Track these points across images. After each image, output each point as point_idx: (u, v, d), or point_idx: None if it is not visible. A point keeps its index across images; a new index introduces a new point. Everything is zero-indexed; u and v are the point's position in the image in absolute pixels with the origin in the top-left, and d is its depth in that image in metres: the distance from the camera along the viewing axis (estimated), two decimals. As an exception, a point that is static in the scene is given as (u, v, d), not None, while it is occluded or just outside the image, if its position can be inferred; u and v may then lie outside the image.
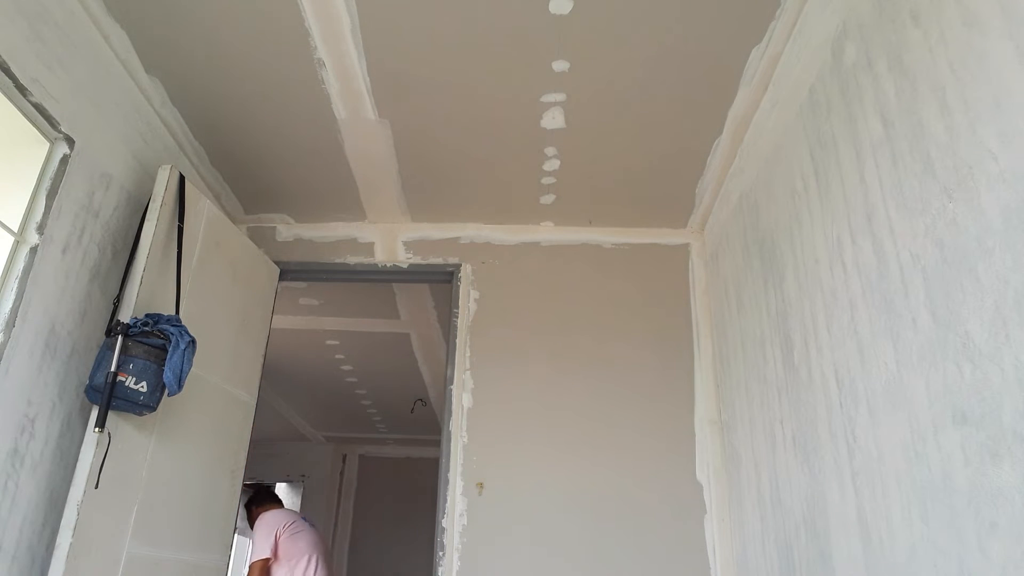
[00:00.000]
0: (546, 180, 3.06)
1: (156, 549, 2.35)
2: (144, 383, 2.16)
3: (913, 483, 1.52)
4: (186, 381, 2.24)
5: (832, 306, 1.95)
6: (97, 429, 2.11)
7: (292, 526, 3.62)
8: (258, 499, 3.92)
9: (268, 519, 3.62)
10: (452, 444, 3.02)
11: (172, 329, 2.25)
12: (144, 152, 2.61)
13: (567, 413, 3.07)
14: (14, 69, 1.94)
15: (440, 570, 2.83)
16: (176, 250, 2.49)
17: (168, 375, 2.19)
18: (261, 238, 3.38)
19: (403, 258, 3.36)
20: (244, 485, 3.48)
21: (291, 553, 3.55)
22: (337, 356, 5.43)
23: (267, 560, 3.50)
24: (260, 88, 2.55)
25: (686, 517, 2.91)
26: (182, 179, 2.55)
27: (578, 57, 2.37)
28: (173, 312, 2.41)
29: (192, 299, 2.56)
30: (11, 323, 1.96)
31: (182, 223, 2.51)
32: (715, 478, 2.95)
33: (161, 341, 2.23)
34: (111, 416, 2.14)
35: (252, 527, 3.82)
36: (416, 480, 8.17)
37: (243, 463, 2.92)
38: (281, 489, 10.57)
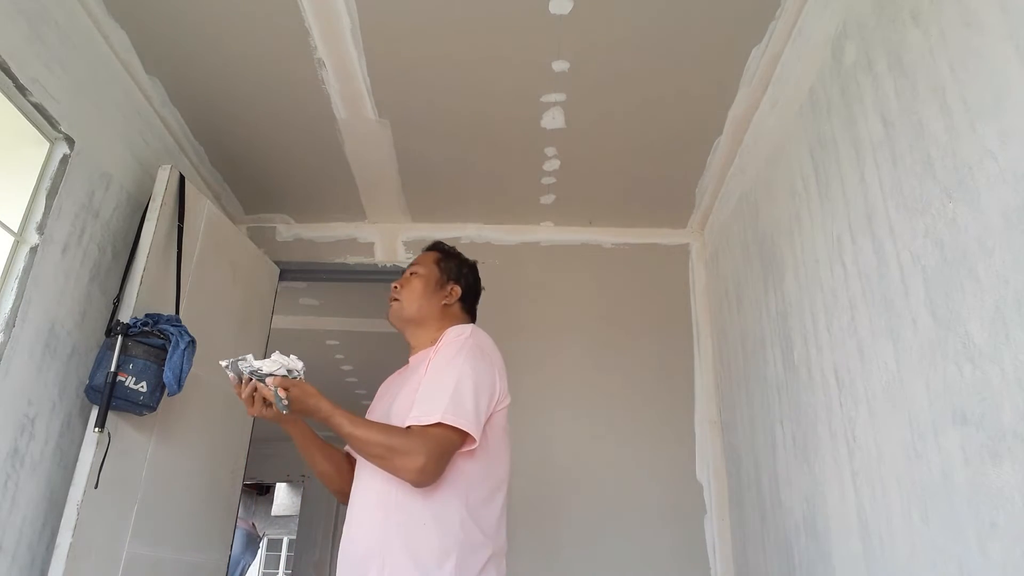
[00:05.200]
0: (546, 180, 3.06)
1: (156, 549, 2.35)
2: (144, 383, 2.16)
3: (913, 483, 1.52)
4: (186, 381, 2.24)
5: (832, 306, 1.95)
6: (97, 429, 2.10)
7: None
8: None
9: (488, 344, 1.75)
10: (452, 444, 3.01)
11: (172, 329, 2.25)
12: (144, 152, 2.61)
13: (567, 412, 3.07)
14: (14, 69, 1.94)
15: (440, 570, 2.83)
16: (176, 250, 2.49)
17: (168, 375, 2.19)
18: (261, 238, 3.38)
19: (403, 258, 3.36)
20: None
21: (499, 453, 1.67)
22: (337, 356, 5.43)
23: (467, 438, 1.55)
24: (260, 88, 2.55)
25: (686, 517, 2.90)
26: (182, 179, 2.55)
27: (578, 57, 2.37)
28: (173, 312, 2.41)
29: (192, 299, 2.56)
30: (11, 323, 1.96)
31: (182, 223, 2.51)
32: (715, 478, 2.94)
33: (161, 341, 2.22)
34: (111, 416, 2.14)
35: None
36: (416, 480, 8.14)
37: (243, 463, 2.91)
38: (281, 489, 10.48)
